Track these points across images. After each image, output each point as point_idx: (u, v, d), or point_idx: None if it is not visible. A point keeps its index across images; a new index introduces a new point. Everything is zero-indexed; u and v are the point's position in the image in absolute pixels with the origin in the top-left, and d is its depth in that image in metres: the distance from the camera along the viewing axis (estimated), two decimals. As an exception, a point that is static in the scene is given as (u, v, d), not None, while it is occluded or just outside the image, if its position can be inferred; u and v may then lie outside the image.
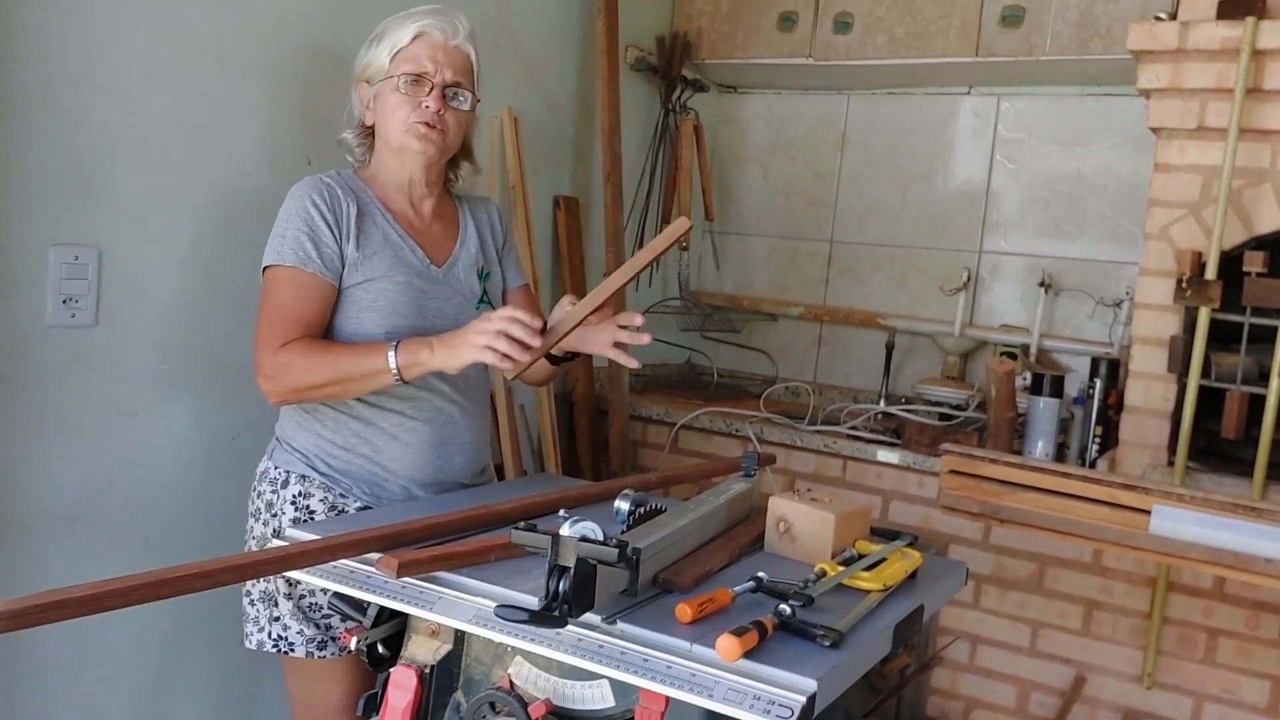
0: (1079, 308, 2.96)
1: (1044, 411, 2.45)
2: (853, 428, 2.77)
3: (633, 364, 1.61)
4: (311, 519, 1.60)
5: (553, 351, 1.55)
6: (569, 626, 1.07)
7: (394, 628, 1.32)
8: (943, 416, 2.74)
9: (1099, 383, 2.42)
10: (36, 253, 1.63)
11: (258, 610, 1.63)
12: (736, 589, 1.18)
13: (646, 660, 1.06)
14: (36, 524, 1.68)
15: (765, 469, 2.24)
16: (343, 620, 1.36)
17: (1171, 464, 2.26)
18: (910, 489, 2.62)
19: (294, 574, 1.25)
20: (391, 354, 1.48)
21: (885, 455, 2.62)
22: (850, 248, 3.33)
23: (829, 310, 3.32)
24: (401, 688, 1.26)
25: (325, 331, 1.58)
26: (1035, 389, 2.47)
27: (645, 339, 1.55)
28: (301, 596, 1.60)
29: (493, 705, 1.22)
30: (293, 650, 1.61)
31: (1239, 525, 1.55)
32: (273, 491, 1.63)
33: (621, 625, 1.10)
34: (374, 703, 1.31)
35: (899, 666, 1.34)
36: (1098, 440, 2.41)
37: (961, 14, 2.81)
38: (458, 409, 1.68)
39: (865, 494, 2.66)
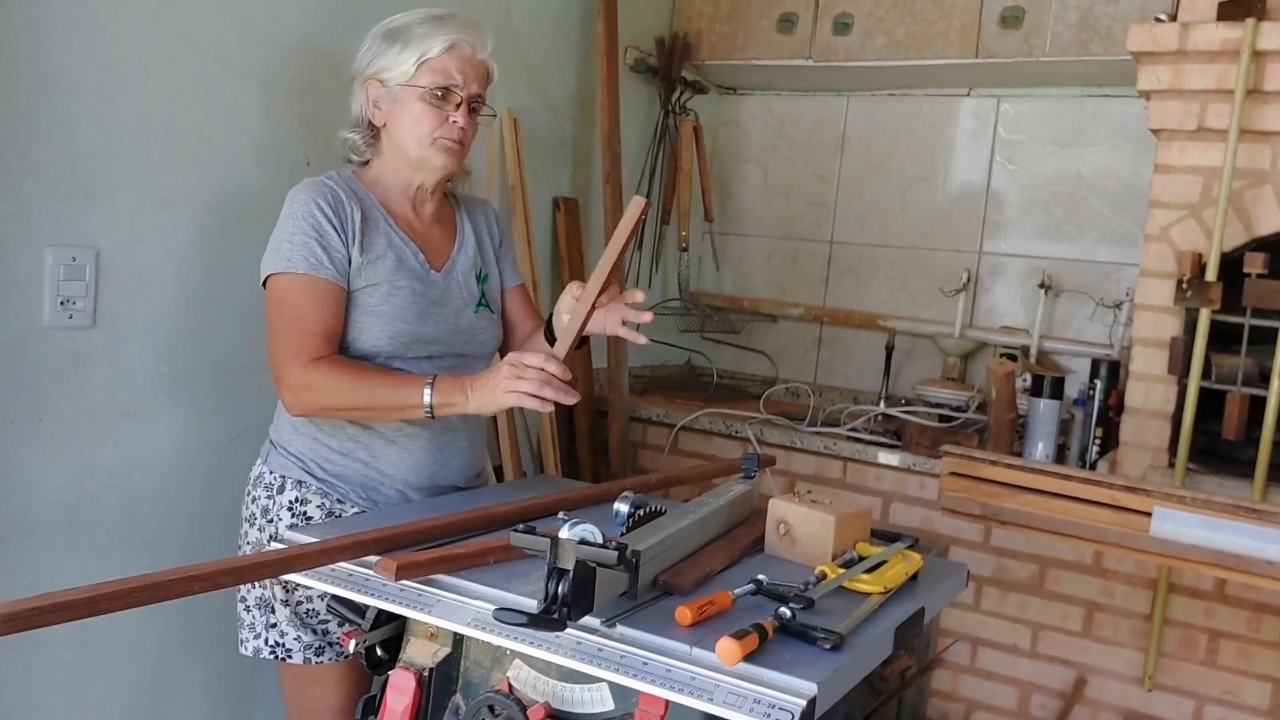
0: (1079, 309, 2.95)
1: (1044, 413, 2.44)
2: (853, 429, 2.76)
3: (641, 340, 1.59)
4: (308, 524, 1.59)
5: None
6: (568, 629, 1.07)
7: (392, 630, 1.32)
8: (943, 418, 2.73)
9: (1099, 384, 2.41)
10: (34, 254, 1.63)
11: (254, 617, 1.62)
12: (736, 591, 1.18)
13: (646, 663, 1.05)
14: (34, 526, 1.67)
15: (765, 471, 2.24)
16: (340, 624, 1.36)
17: (1172, 465, 2.25)
18: (911, 491, 2.62)
19: (292, 577, 1.25)
20: (428, 391, 1.48)
21: (885, 457, 2.62)
22: (850, 249, 3.32)
23: (829, 311, 3.32)
24: (400, 691, 1.26)
25: None
26: (1035, 390, 2.47)
27: (647, 317, 1.55)
28: (299, 603, 1.60)
29: (491, 708, 1.21)
30: (290, 657, 1.60)
31: (1240, 527, 1.55)
32: (268, 497, 1.62)
33: (621, 628, 1.10)
34: (372, 706, 1.31)
35: (900, 669, 1.34)
36: (1098, 442, 2.41)
37: (961, 15, 2.81)
38: (456, 414, 1.67)
39: (865, 496, 2.66)
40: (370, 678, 1.34)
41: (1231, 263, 2.21)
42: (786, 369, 3.40)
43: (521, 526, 1.12)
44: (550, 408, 1.44)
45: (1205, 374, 2.23)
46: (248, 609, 1.63)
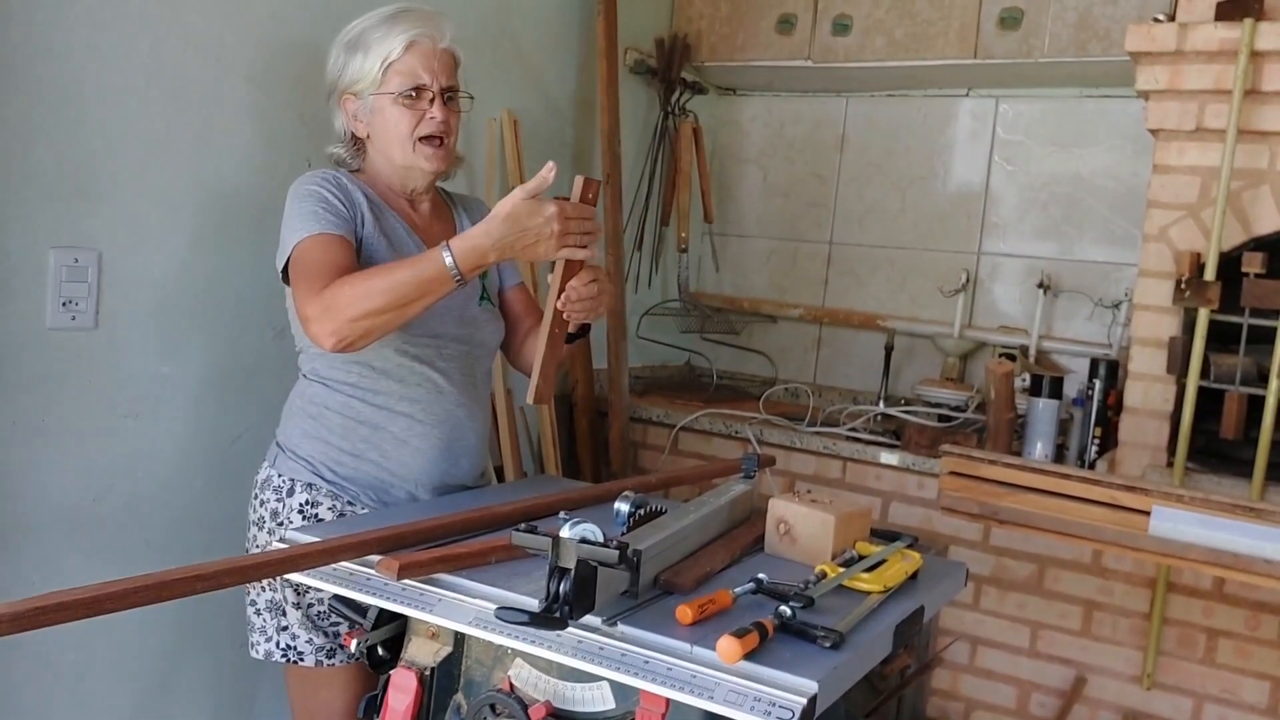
0: (1078, 309, 2.96)
1: (1043, 413, 2.45)
2: (852, 429, 2.77)
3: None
4: (319, 526, 1.58)
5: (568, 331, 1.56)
6: (569, 628, 1.07)
7: (394, 630, 1.32)
8: (942, 418, 2.74)
9: (1098, 384, 2.42)
10: (36, 255, 1.63)
11: (264, 620, 1.62)
12: (737, 590, 1.18)
13: (647, 662, 1.06)
14: (37, 526, 1.67)
15: (765, 471, 2.24)
16: (348, 625, 1.36)
17: (1171, 465, 2.26)
18: (910, 490, 2.62)
19: (295, 576, 1.25)
20: (447, 255, 1.39)
21: (885, 457, 2.62)
22: (849, 249, 3.33)
23: (828, 312, 3.32)
24: (402, 690, 1.26)
25: None
26: (1034, 390, 2.47)
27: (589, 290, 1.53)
28: (310, 605, 1.59)
29: (493, 707, 1.22)
30: (302, 660, 1.60)
31: (1238, 526, 1.56)
32: (278, 500, 1.62)
33: (622, 627, 1.10)
34: (374, 705, 1.31)
35: (899, 667, 1.34)
36: (1097, 441, 2.41)
37: (960, 16, 2.81)
38: (464, 412, 1.67)
39: (865, 495, 2.66)
40: (376, 680, 1.34)
41: (1230, 262, 2.22)
42: (786, 369, 3.40)
43: (523, 526, 1.12)
44: (593, 252, 1.45)
45: (1204, 373, 2.23)
46: (258, 612, 1.62)
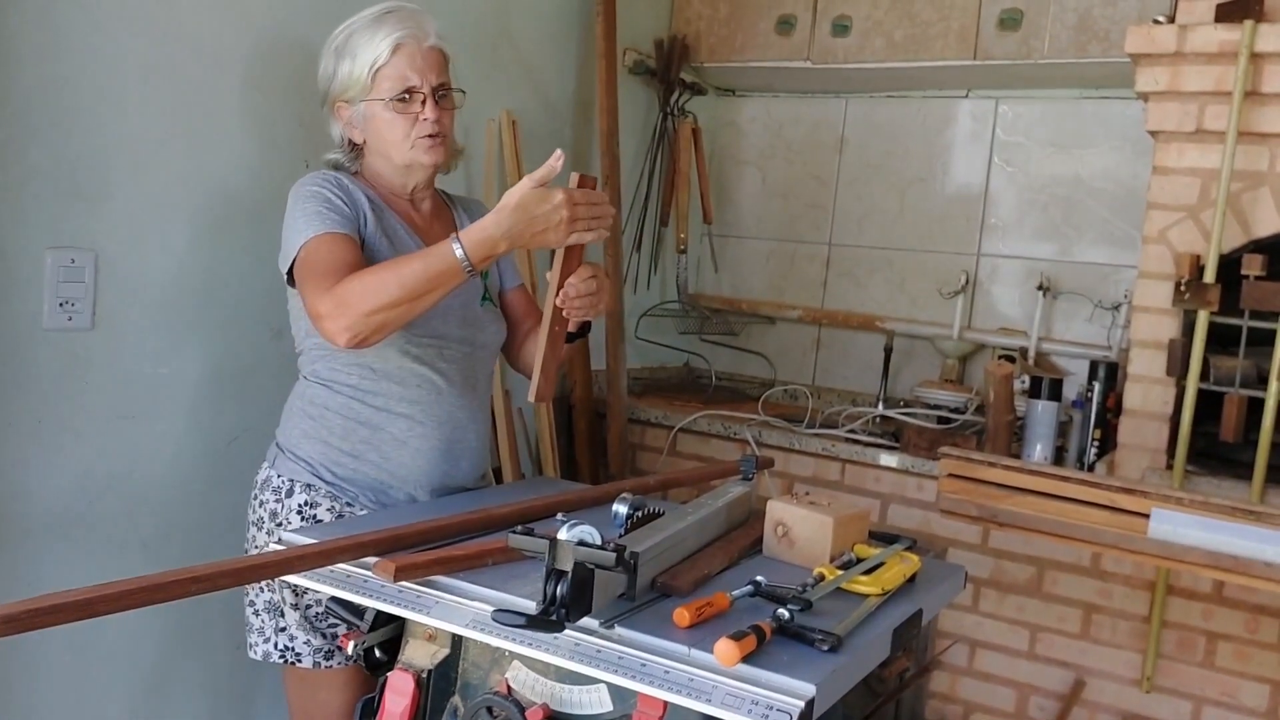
0: (1077, 311, 2.96)
1: (1042, 414, 2.44)
2: (851, 431, 2.76)
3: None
4: (318, 527, 1.58)
5: (568, 329, 1.56)
6: (566, 631, 1.07)
7: (391, 632, 1.32)
8: (941, 420, 2.73)
9: (1097, 386, 2.41)
10: (33, 256, 1.63)
11: (263, 621, 1.61)
12: (735, 593, 1.18)
13: (644, 665, 1.05)
14: (33, 527, 1.67)
15: (763, 472, 2.24)
16: (346, 627, 1.36)
17: (1170, 467, 2.25)
18: (909, 492, 2.62)
19: (291, 578, 1.25)
20: (457, 246, 1.39)
21: (884, 459, 2.62)
22: (848, 251, 3.33)
23: (827, 313, 3.32)
24: (398, 692, 1.26)
25: None
26: (1034, 392, 2.47)
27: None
28: (308, 606, 1.59)
29: (490, 710, 1.21)
30: (300, 661, 1.60)
31: (1238, 528, 1.55)
32: (276, 501, 1.62)
33: (619, 629, 1.10)
34: (371, 707, 1.31)
35: (898, 670, 1.34)
36: (1096, 443, 2.41)
37: (959, 17, 2.81)
38: (465, 413, 1.67)
39: (864, 497, 2.66)
40: (374, 682, 1.34)
41: (1230, 264, 2.21)
42: (785, 371, 3.40)
43: (520, 528, 1.12)
44: (604, 235, 1.45)
45: (1203, 376, 2.23)
46: (256, 613, 1.62)
